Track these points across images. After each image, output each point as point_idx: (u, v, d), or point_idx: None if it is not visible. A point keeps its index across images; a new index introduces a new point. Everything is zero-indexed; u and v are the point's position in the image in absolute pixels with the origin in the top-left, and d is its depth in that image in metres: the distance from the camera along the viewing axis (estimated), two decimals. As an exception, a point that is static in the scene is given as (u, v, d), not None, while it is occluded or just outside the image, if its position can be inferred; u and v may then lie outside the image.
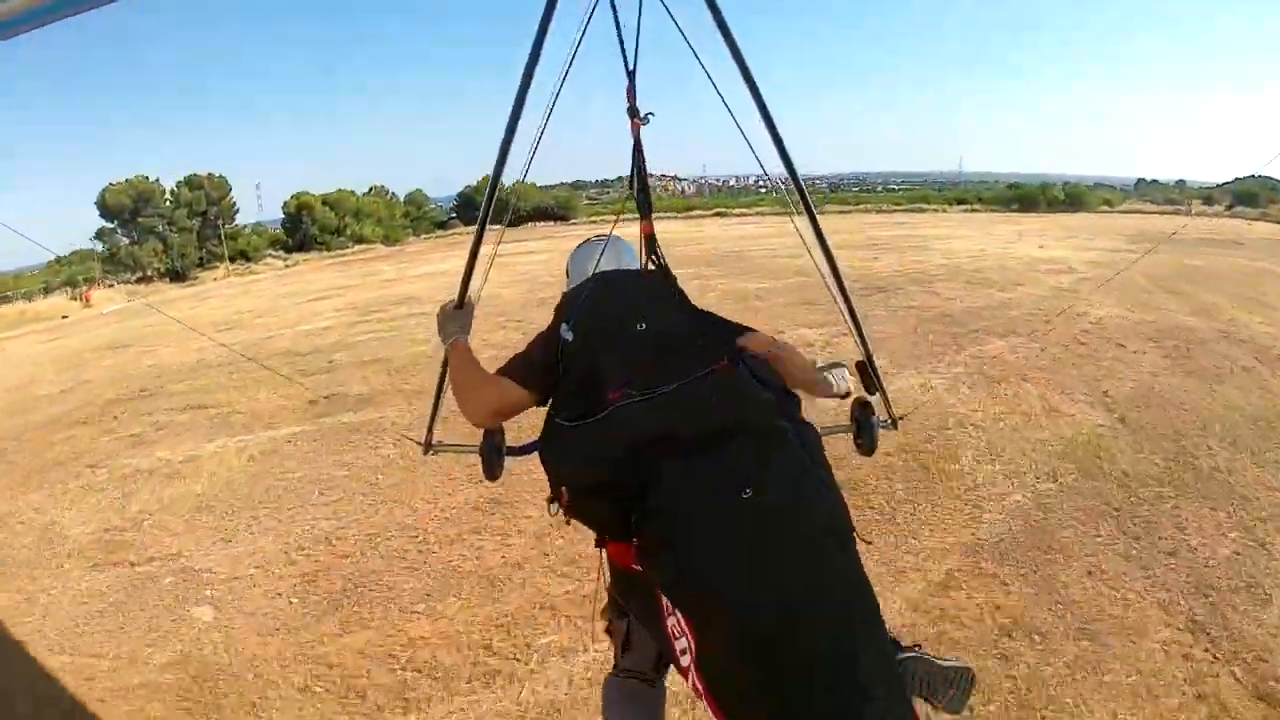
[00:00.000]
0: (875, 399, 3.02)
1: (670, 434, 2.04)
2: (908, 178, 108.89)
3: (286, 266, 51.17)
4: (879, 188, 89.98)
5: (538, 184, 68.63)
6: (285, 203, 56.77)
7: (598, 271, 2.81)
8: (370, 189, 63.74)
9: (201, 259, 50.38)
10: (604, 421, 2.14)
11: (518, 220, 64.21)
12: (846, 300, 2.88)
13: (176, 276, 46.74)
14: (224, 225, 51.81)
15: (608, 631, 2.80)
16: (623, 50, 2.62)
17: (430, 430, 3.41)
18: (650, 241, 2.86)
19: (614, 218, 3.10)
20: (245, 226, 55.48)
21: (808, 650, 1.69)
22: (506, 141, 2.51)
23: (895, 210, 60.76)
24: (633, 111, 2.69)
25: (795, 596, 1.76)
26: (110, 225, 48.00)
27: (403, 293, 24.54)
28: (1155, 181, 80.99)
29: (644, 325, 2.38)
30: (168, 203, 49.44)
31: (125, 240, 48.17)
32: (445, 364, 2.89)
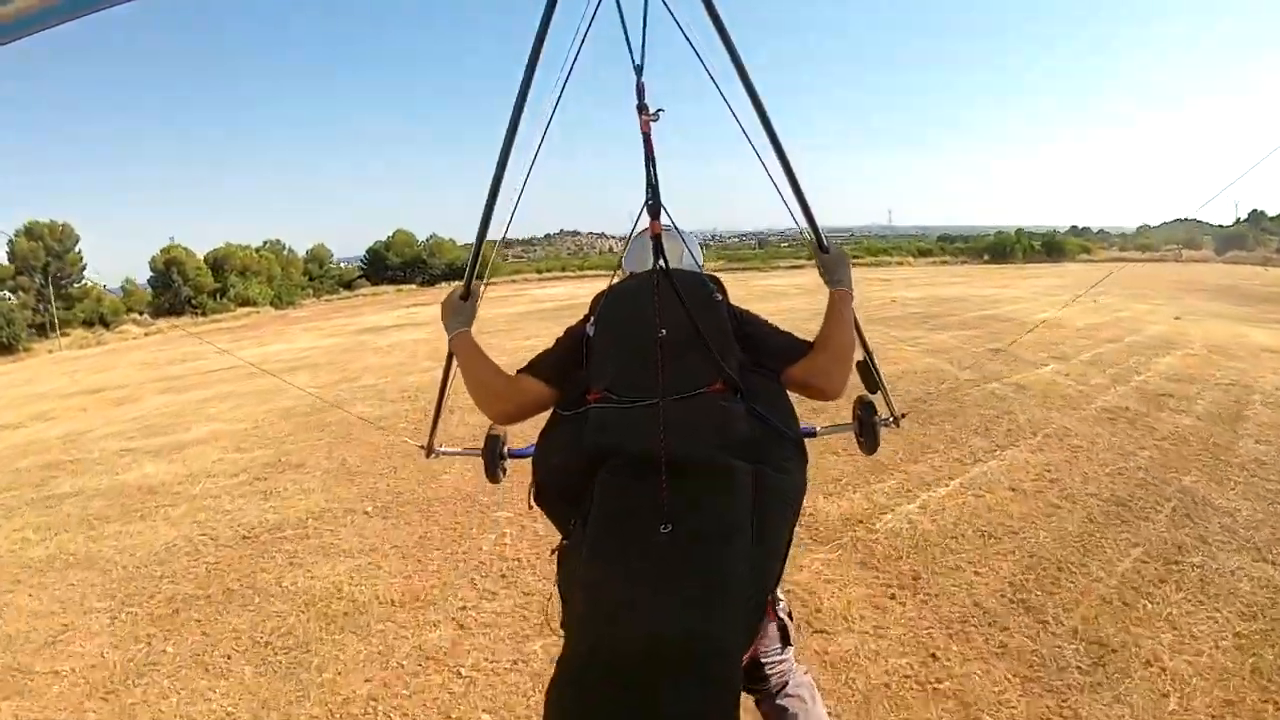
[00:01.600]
0: (877, 397, 2.99)
1: (621, 448, 1.92)
2: (838, 231, 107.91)
3: (146, 334, 41.87)
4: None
5: (455, 240, 59.31)
6: (152, 258, 45.33)
7: (640, 271, 2.57)
8: (264, 243, 55.29)
9: (44, 325, 40.90)
10: (577, 420, 2.07)
11: (432, 279, 55.48)
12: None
13: (3, 348, 37.16)
14: (54, 285, 40.32)
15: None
16: (629, 46, 2.34)
17: (433, 434, 3.33)
18: (658, 244, 2.37)
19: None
20: (98, 284, 46.03)
21: None
22: (505, 151, 2.42)
23: (856, 264, 53.32)
24: (641, 108, 2.32)
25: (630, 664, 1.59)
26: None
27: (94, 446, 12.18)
28: (1089, 229, 77.68)
29: (665, 331, 2.16)
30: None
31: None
32: (449, 362, 2.86)
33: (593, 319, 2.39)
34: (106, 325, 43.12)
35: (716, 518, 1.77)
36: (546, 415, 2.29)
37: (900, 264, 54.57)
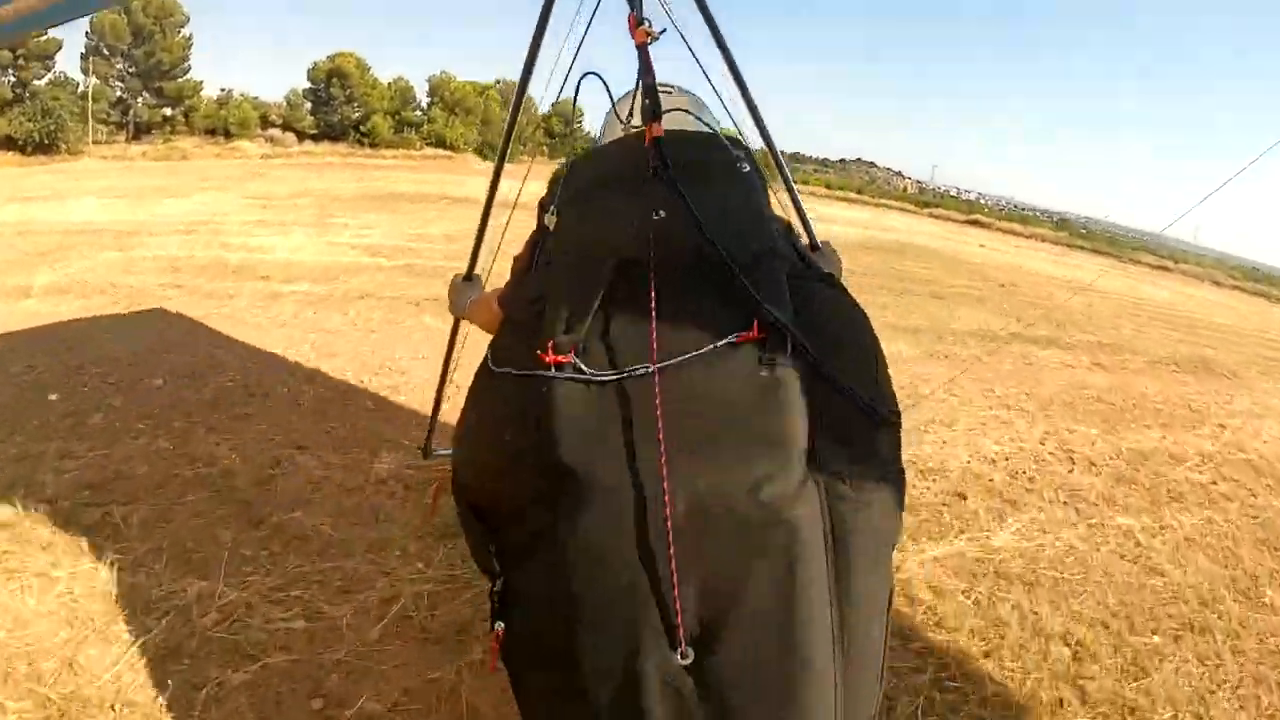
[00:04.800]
0: None
1: (590, 477, 1.14)
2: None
3: (263, 158, 29.26)
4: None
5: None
6: (314, 65, 32.22)
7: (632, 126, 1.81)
8: (497, 81, 39.75)
9: (128, 124, 29.29)
10: (523, 391, 1.24)
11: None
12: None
13: (40, 147, 25.28)
14: (141, 75, 28.09)
15: None
16: None
17: (430, 433, 3.00)
18: (657, 148, 1.47)
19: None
20: (231, 91, 33.61)
21: None
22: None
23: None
24: (639, 20, 1.66)
25: None
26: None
27: None
28: None
29: (663, 213, 1.38)
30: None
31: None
32: (448, 356, 2.70)
33: (553, 205, 1.58)
34: (230, 135, 31.35)
35: (771, 639, 1.05)
36: None
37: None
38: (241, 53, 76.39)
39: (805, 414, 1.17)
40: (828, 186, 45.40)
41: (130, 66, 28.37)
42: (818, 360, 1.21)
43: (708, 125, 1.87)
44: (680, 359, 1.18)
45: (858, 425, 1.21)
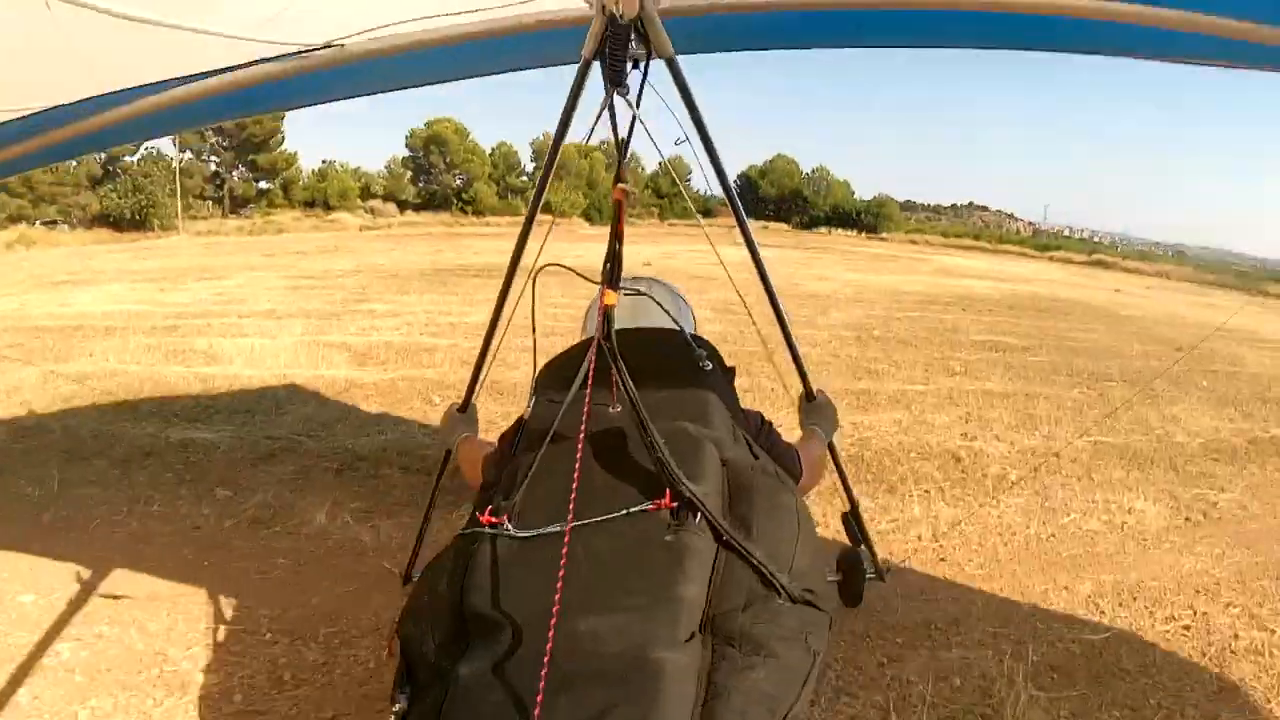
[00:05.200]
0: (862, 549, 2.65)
1: (493, 623, 1.22)
2: None
3: (361, 229, 28.14)
4: None
5: (849, 182, 45.29)
6: (410, 132, 30.96)
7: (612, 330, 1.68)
8: (601, 144, 37.02)
9: (223, 198, 28.47)
10: (459, 547, 1.38)
11: (811, 222, 42.54)
12: (834, 456, 2.51)
13: (132, 222, 24.50)
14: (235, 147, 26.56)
15: None
16: (613, 121, 1.80)
17: (414, 556, 2.80)
18: (607, 321, 1.55)
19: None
20: (332, 162, 32.58)
21: None
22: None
23: None
24: (619, 178, 1.69)
25: None
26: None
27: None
28: None
29: (619, 408, 1.54)
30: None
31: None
32: (439, 478, 2.65)
33: (532, 399, 1.75)
34: (330, 208, 30.49)
35: None
36: None
37: None
38: (337, 120, 77.71)
39: (706, 579, 1.22)
40: (943, 235, 43.97)
41: (223, 140, 27.70)
42: (727, 532, 1.26)
43: (675, 321, 1.90)
44: (595, 520, 1.26)
45: (762, 598, 1.23)
